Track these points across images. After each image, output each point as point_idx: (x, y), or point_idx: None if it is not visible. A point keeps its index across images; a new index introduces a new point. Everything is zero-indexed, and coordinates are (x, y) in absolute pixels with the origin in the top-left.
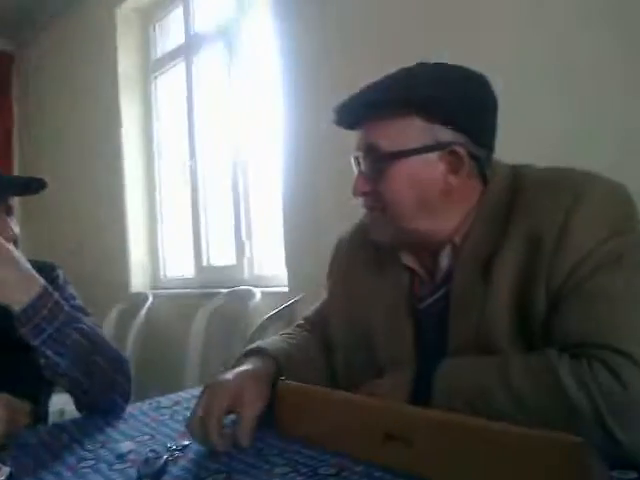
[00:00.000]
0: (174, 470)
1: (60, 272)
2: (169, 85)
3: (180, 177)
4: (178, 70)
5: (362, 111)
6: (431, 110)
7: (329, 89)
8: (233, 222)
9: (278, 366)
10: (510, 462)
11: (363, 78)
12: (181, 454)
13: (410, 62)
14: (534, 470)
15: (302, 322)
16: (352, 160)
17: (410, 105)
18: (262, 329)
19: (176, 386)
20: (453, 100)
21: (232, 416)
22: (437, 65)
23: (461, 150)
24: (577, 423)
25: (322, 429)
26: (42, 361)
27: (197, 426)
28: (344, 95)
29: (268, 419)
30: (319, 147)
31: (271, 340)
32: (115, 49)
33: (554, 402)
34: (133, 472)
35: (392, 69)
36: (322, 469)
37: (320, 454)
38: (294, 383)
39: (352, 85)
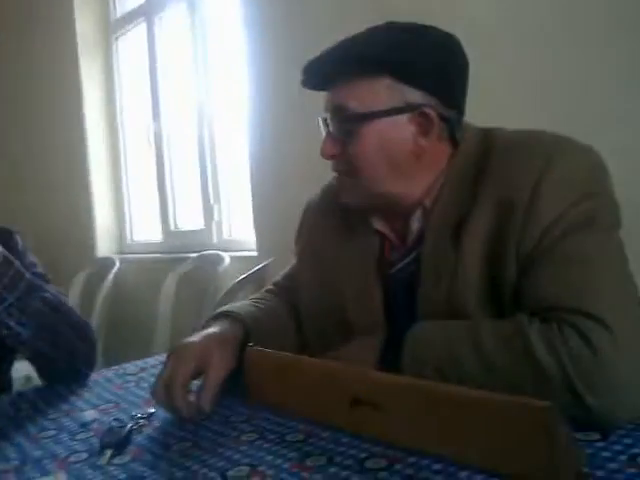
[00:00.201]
0: (138, 439)
1: (18, 238)
2: (131, 46)
3: (144, 139)
4: (140, 31)
5: (330, 70)
6: (401, 71)
7: (295, 47)
8: (200, 185)
9: (246, 330)
10: (478, 427)
11: (331, 34)
12: (146, 422)
13: (381, 20)
14: (502, 434)
15: (272, 287)
16: (320, 122)
17: (379, 65)
18: (231, 294)
19: (145, 352)
20: (423, 61)
21: (198, 381)
22: (406, 25)
23: (431, 112)
24: (547, 388)
25: (290, 395)
26: (4, 331)
27: (162, 392)
28: (310, 54)
29: (237, 385)
30: (286, 108)
31: (240, 304)
32: (72, 9)
33: (524, 367)
34: (96, 441)
35: (360, 28)
36: (289, 436)
37: (288, 421)
38: (262, 349)
39: (320, 42)
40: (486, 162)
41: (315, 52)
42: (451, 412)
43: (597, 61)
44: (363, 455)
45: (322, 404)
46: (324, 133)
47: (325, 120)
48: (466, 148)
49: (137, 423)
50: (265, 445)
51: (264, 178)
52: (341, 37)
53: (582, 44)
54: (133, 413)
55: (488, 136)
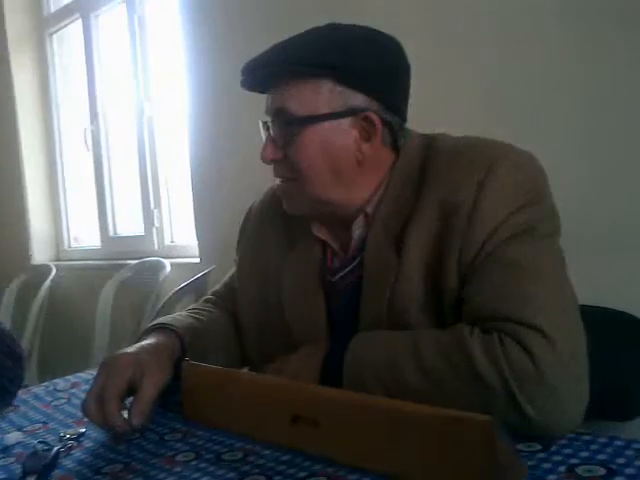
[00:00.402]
0: (66, 463)
1: None
2: (67, 43)
3: (82, 141)
4: (76, 27)
5: (270, 72)
6: (343, 73)
7: (235, 48)
8: (140, 190)
9: (182, 343)
10: (419, 442)
11: (272, 34)
12: (75, 444)
13: (321, 22)
14: (443, 449)
15: (211, 297)
16: (260, 125)
17: (321, 68)
18: (172, 302)
19: (84, 364)
20: (366, 64)
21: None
22: (349, 27)
23: (374, 116)
24: (488, 399)
25: (228, 411)
26: None
27: (93, 407)
28: (251, 55)
29: (173, 401)
30: (229, 110)
31: (177, 316)
32: (1, 2)
33: (466, 380)
34: (18, 467)
35: (300, 28)
36: (227, 454)
37: (226, 438)
38: (199, 364)
39: (261, 42)
40: (428, 168)
41: (256, 52)
42: (391, 428)
43: (525, 61)
44: (303, 474)
45: (261, 421)
46: (264, 137)
47: (266, 123)
48: (408, 154)
49: (65, 445)
50: (201, 465)
51: (205, 182)
52: (282, 37)
53: (502, 44)
54: (61, 434)
55: (430, 142)
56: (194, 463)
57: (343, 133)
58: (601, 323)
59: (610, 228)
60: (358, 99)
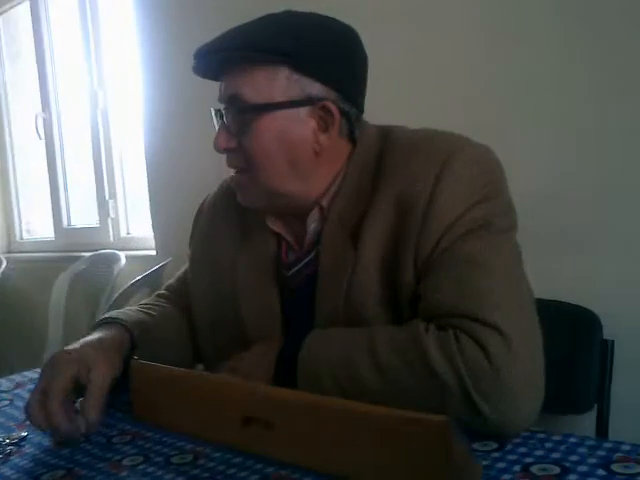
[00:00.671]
0: (3, 470)
1: None
2: (14, 26)
3: (33, 130)
4: (24, 9)
5: (225, 57)
6: (299, 61)
7: (190, 35)
8: (95, 180)
9: (132, 337)
10: (372, 443)
11: (228, 21)
12: (15, 449)
13: (279, 8)
14: (397, 450)
15: (164, 292)
16: (212, 113)
17: (276, 54)
18: (126, 296)
19: (37, 360)
20: (323, 52)
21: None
22: (306, 14)
23: (332, 106)
24: (443, 396)
25: (179, 412)
26: None
27: (36, 407)
28: (208, 40)
29: (121, 401)
30: (186, 98)
31: (126, 310)
32: None
33: (420, 375)
34: None
35: (258, 15)
36: (177, 457)
37: (177, 440)
38: (148, 362)
39: (217, 30)
40: (385, 161)
41: (211, 37)
42: (346, 429)
43: (490, 58)
44: (255, 477)
45: (213, 422)
46: (217, 126)
47: (219, 111)
48: (365, 146)
49: (4, 451)
50: (149, 469)
51: (161, 174)
52: (238, 24)
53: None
54: (0, 439)
55: (387, 134)
56: (142, 467)
57: (300, 122)
58: (557, 317)
59: (567, 224)
60: (315, 88)
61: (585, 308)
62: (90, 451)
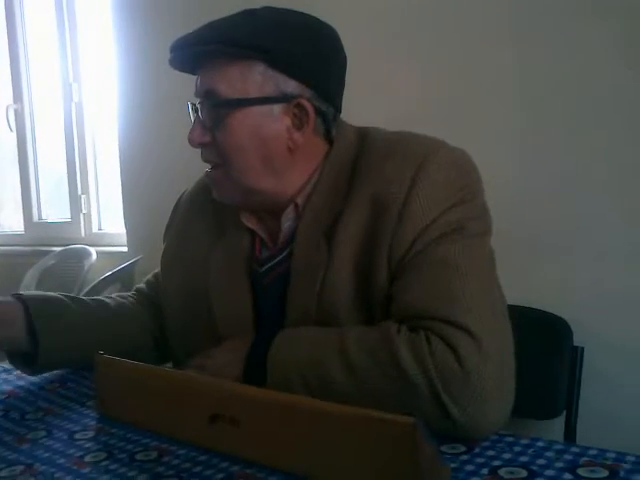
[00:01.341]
0: None
1: None
2: None
3: (4, 122)
4: None
5: (201, 51)
6: (276, 58)
7: (166, 30)
8: (67, 174)
9: (28, 310)
10: (340, 443)
11: (205, 16)
12: None
13: (257, 4)
14: (365, 451)
15: (141, 285)
16: (189, 107)
17: (253, 50)
18: (95, 292)
19: (3, 356)
20: (300, 50)
21: None
22: (285, 11)
23: (307, 104)
24: (413, 398)
25: (144, 408)
26: None
27: None
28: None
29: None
30: (160, 96)
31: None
32: None
33: (391, 377)
34: None
35: (236, 10)
36: (141, 454)
37: (142, 437)
38: (113, 357)
39: (194, 24)
40: (361, 162)
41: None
42: (313, 428)
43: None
44: (220, 476)
45: (179, 419)
46: (193, 120)
47: (194, 105)
48: (342, 146)
49: None
50: (112, 466)
51: (135, 170)
52: (216, 18)
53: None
54: None
55: (364, 135)
56: (105, 464)
57: (274, 119)
58: (528, 323)
59: (539, 231)
60: (291, 85)
61: (556, 315)
62: (51, 446)
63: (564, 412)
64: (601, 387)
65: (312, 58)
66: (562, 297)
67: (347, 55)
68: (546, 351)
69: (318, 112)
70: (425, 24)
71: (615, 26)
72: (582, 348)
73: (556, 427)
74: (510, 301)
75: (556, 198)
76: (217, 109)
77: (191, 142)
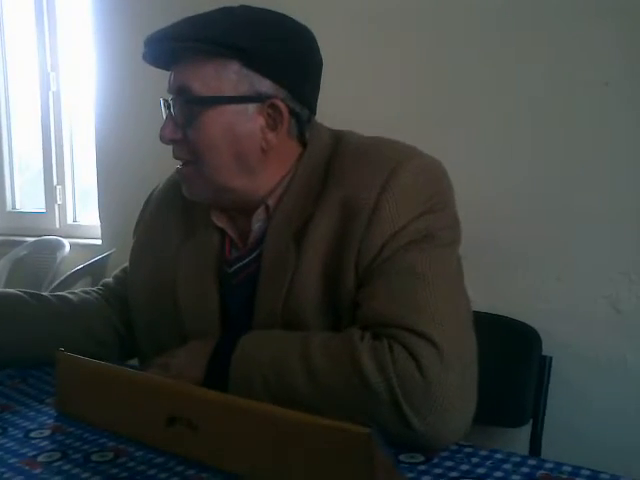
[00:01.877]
0: None
1: None
2: None
3: None
4: None
5: (175, 47)
6: (252, 57)
7: (147, 22)
8: (42, 164)
9: None
10: (296, 451)
11: (185, 9)
12: None
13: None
14: (321, 460)
15: (108, 280)
16: (161, 103)
17: (229, 48)
18: (66, 284)
19: None
20: (276, 50)
21: None
22: (262, 11)
23: (281, 105)
24: (373, 406)
25: (103, 408)
26: None
27: None
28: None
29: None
30: (137, 88)
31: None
32: None
33: (352, 384)
34: None
35: (216, 3)
36: (96, 455)
37: (99, 436)
38: (73, 355)
39: (175, 17)
40: (334, 166)
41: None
42: (269, 434)
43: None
44: (175, 479)
45: (137, 420)
46: (165, 116)
47: (167, 102)
48: (315, 149)
49: None
50: (65, 467)
51: (111, 161)
52: (189, 8)
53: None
54: None
55: (339, 138)
56: (58, 464)
57: (248, 118)
58: (497, 331)
59: (511, 240)
60: (265, 85)
61: (526, 324)
62: (4, 445)
63: (530, 421)
64: (568, 397)
65: (288, 59)
66: (532, 306)
67: (338, 57)
68: (515, 359)
69: (292, 113)
70: (424, 24)
71: (616, 26)
72: (550, 357)
73: (522, 436)
74: (480, 309)
75: (525, 207)
76: (190, 106)
77: (162, 139)
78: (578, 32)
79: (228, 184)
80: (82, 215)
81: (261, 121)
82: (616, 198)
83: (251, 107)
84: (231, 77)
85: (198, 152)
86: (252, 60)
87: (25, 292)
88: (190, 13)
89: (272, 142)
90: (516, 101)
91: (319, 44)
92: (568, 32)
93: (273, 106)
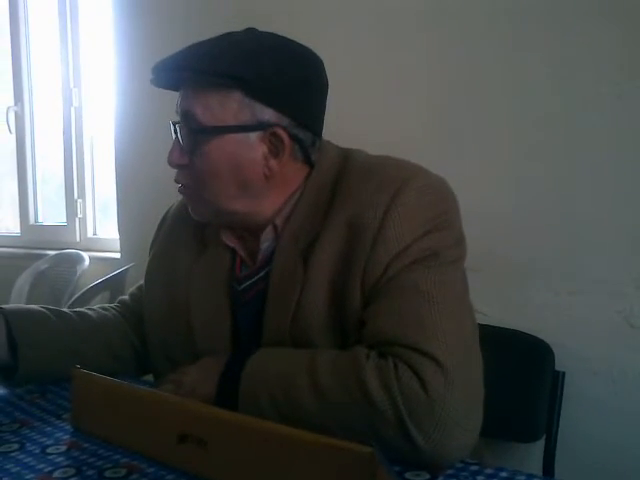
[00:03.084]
0: None
1: None
2: None
3: (4, 123)
4: (2, 1)
5: (180, 77)
6: (253, 87)
7: (168, 36)
8: (64, 178)
9: (7, 322)
10: (301, 468)
11: (207, 25)
12: None
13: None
14: (324, 477)
15: (125, 297)
16: (171, 125)
17: (231, 78)
18: (86, 298)
19: None
20: (277, 78)
21: None
22: (267, 36)
23: (283, 133)
24: (378, 424)
25: (117, 425)
26: None
27: None
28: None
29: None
30: (157, 105)
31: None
32: None
33: (357, 402)
34: None
35: (237, 17)
36: (110, 471)
37: (113, 453)
38: (89, 372)
39: (192, 35)
40: (340, 185)
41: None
42: (276, 453)
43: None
44: None
45: (149, 437)
46: (174, 138)
47: (175, 125)
48: (323, 169)
49: None
50: None
51: (131, 175)
52: (206, 31)
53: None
54: None
55: (346, 157)
56: (72, 479)
57: (250, 147)
58: (510, 345)
59: (529, 254)
60: (267, 113)
61: (538, 338)
62: (22, 460)
63: (544, 436)
64: (581, 412)
65: (291, 87)
66: (545, 320)
67: (345, 71)
68: (528, 374)
69: (295, 139)
70: (430, 33)
71: (622, 26)
72: (563, 372)
73: (536, 451)
74: (493, 323)
75: (537, 223)
76: (194, 135)
77: (170, 163)
78: (585, 33)
79: (228, 207)
80: (102, 228)
81: (263, 149)
82: (630, 213)
83: (253, 136)
84: (233, 107)
85: (201, 179)
86: (254, 90)
87: (47, 308)
88: (210, 24)
89: (275, 168)
90: (529, 114)
91: (327, 59)
92: (575, 34)
93: (274, 134)
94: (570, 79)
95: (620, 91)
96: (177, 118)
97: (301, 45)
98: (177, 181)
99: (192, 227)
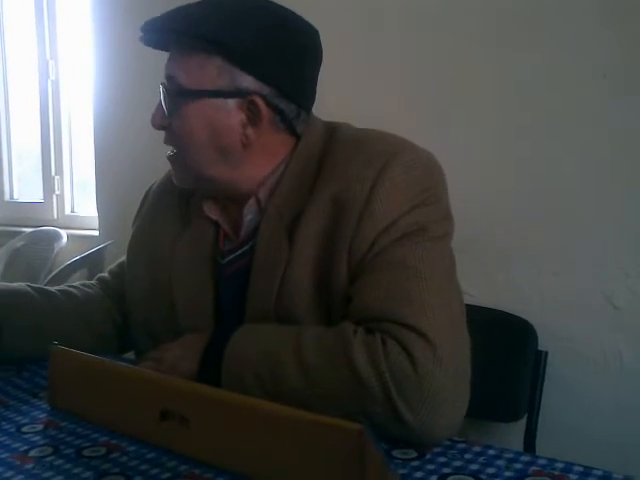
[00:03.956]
0: None
1: None
2: None
3: None
4: None
5: (165, 38)
6: (234, 53)
7: (145, 5)
8: (41, 154)
9: None
10: (288, 447)
11: None
12: None
13: None
14: (313, 456)
15: (104, 274)
16: (160, 88)
17: (212, 44)
18: (64, 275)
19: None
20: (261, 46)
21: None
22: (255, 3)
23: (260, 101)
24: (366, 401)
25: (96, 402)
26: None
27: None
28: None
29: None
30: (136, 76)
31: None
32: None
33: (344, 379)
34: None
35: None
36: (88, 450)
37: (91, 431)
38: (67, 349)
39: (174, 3)
40: (326, 160)
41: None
42: (260, 429)
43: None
44: (167, 475)
45: (129, 415)
46: (160, 100)
47: (163, 85)
48: (309, 142)
49: None
50: (57, 462)
51: (110, 151)
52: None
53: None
54: None
55: (333, 131)
56: (50, 459)
57: (228, 113)
58: (493, 325)
59: (508, 235)
60: (247, 81)
61: (521, 318)
62: None
63: (525, 415)
64: (563, 392)
65: (273, 56)
66: (529, 301)
67: (337, 52)
68: (510, 354)
69: (276, 110)
70: (424, 22)
71: (616, 27)
72: (546, 352)
73: (517, 430)
74: (477, 303)
75: (522, 204)
76: (173, 97)
77: (152, 123)
78: (577, 29)
79: (207, 173)
80: (80, 206)
81: (241, 116)
82: (614, 195)
83: (231, 102)
84: (212, 71)
85: (179, 142)
86: (234, 56)
87: (30, 286)
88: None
89: (252, 137)
90: (515, 98)
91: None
92: (567, 29)
93: (252, 102)
94: (560, 60)
95: (604, 70)
96: (164, 81)
97: (293, 13)
98: (166, 143)
99: (175, 202)
